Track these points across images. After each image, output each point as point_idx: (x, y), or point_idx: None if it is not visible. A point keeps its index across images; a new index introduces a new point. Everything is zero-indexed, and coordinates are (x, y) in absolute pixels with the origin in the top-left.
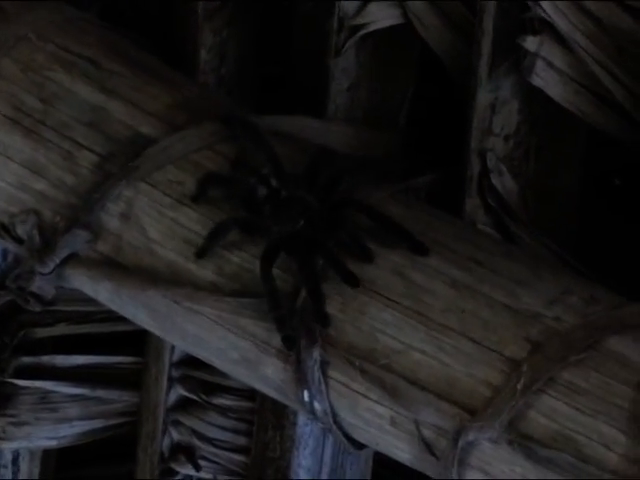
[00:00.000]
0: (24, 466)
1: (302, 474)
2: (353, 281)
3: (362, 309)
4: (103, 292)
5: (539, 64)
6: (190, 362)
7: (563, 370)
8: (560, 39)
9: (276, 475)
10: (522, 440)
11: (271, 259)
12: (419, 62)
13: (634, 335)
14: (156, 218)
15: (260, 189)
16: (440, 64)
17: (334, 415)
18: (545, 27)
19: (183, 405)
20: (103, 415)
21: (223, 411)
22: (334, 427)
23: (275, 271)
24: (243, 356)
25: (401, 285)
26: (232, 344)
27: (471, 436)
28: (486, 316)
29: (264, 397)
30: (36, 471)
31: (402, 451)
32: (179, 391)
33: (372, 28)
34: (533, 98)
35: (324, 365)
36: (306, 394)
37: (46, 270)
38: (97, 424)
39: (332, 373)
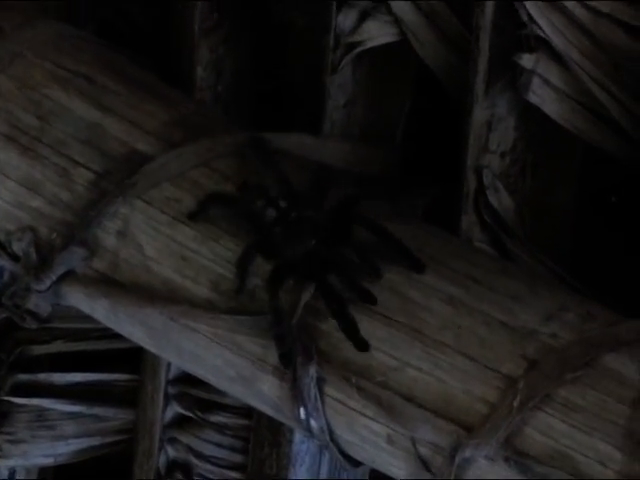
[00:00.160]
0: None
1: None
2: (370, 299)
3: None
4: (99, 309)
5: (535, 81)
6: (186, 379)
7: (559, 387)
8: (556, 56)
9: None
10: (518, 457)
11: (281, 280)
12: (415, 79)
13: (630, 352)
14: (152, 235)
15: (269, 211)
16: (436, 81)
17: (330, 432)
18: (541, 44)
19: (179, 422)
20: (99, 433)
21: (219, 428)
22: (330, 444)
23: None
24: (239, 373)
25: (397, 302)
26: (228, 361)
27: (467, 453)
28: (482, 333)
29: (260, 414)
30: None
31: (398, 468)
32: (175, 408)
33: (369, 45)
34: (529, 115)
35: (320, 382)
36: (302, 411)
37: (42, 287)
38: (93, 442)
39: (328, 390)
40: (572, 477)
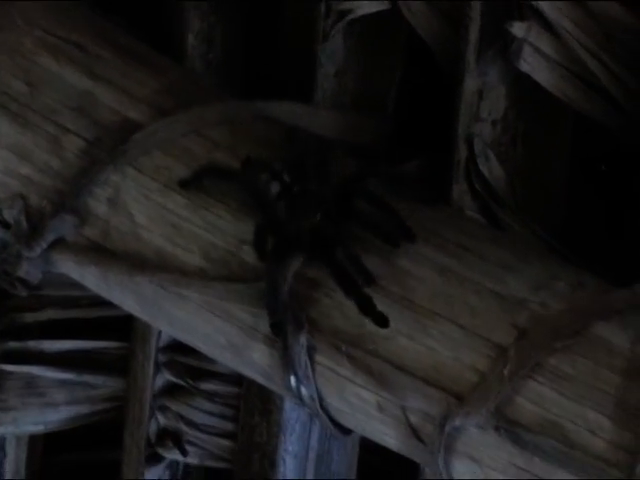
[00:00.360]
0: (10, 451)
1: (288, 459)
2: (370, 280)
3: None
4: (90, 277)
5: (526, 50)
6: (177, 347)
7: (549, 356)
8: (547, 25)
9: (262, 460)
10: (508, 426)
11: (284, 253)
12: (406, 48)
13: (621, 321)
14: (143, 203)
15: (273, 185)
16: (427, 49)
17: (321, 400)
18: (532, 13)
19: (170, 390)
20: (90, 400)
21: (210, 396)
22: (321, 412)
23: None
24: (230, 341)
25: (388, 271)
26: (219, 329)
27: (458, 422)
28: (473, 302)
29: (251, 382)
30: (23, 456)
31: (388, 436)
32: (166, 376)
33: (360, 13)
34: (520, 84)
35: (311, 350)
36: (293, 379)
37: (33, 255)
38: (84, 409)
39: (319, 358)
40: (562, 446)
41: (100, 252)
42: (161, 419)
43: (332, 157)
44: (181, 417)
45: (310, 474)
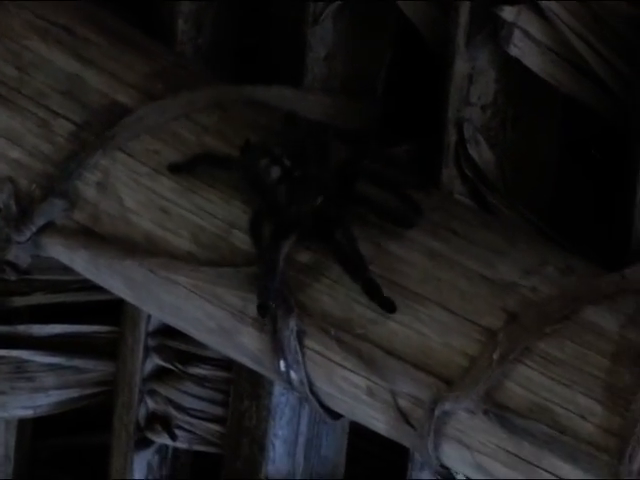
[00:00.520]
0: (0, 435)
1: (278, 444)
2: (363, 270)
3: (338, 278)
4: (79, 261)
5: (516, 34)
6: (166, 331)
7: (539, 340)
8: (537, 9)
9: (252, 445)
10: (498, 410)
11: (285, 237)
12: (396, 31)
13: (610, 305)
14: (133, 187)
15: (274, 169)
16: (417, 33)
17: (310, 384)
18: None
19: (159, 374)
20: (79, 384)
21: (199, 381)
22: (310, 396)
23: (244, 237)
24: (219, 325)
25: (378, 255)
26: (208, 313)
27: (447, 406)
28: (462, 286)
29: (240, 367)
30: (12, 440)
31: (378, 421)
32: (155, 360)
33: None
34: (510, 68)
35: (300, 334)
36: (282, 363)
37: (22, 239)
38: (73, 393)
39: (308, 342)
40: (552, 430)
41: (89, 236)
42: (150, 403)
43: (331, 141)
44: (170, 401)
45: (299, 458)
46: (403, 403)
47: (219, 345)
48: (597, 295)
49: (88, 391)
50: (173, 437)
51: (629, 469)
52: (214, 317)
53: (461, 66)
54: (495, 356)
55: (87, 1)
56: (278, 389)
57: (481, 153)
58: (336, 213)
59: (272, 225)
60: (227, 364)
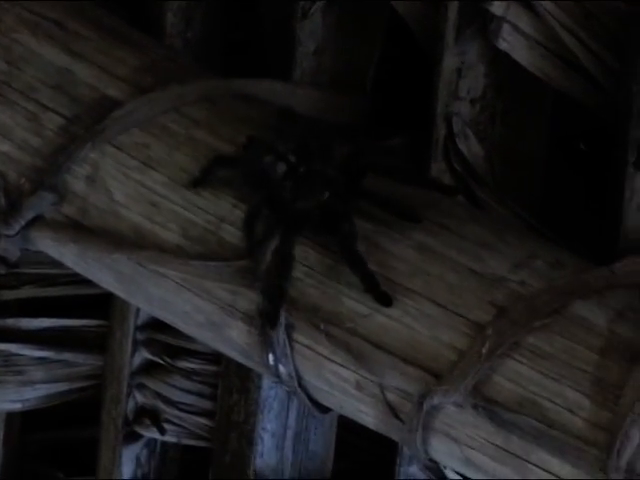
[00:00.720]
0: None
1: (266, 438)
2: (361, 265)
3: (327, 272)
4: (68, 255)
5: (505, 28)
6: (155, 325)
7: (528, 334)
8: (527, 3)
9: (240, 439)
10: (487, 404)
11: (294, 234)
12: (385, 26)
13: (599, 299)
14: (122, 181)
15: (279, 165)
16: (406, 28)
17: (299, 378)
18: None
19: (148, 368)
20: (68, 378)
21: (188, 374)
22: (299, 390)
23: (234, 231)
24: (208, 319)
25: (367, 249)
26: (197, 307)
27: (436, 400)
28: (451, 280)
29: (229, 360)
30: (0, 434)
31: (367, 415)
32: (144, 354)
33: None
34: (499, 62)
35: (289, 328)
36: (271, 357)
37: (11, 232)
38: (62, 387)
39: (297, 336)
40: (540, 424)
41: (78, 230)
42: (139, 397)
43: (334, 137)
44: (159, 395)
45: (288, 452)
46: (392, 397)
47: (208, 339)
48: (586, 290)
49: (77, 385)
50: (162, 431)
51: (617, 463)
52: (203, 311)
53: (450, 60)
54: (484, 350)
55: None
56: (267, 383)
57: (470, 147)
58: (342, 208)
59: (274, 221)
60: (216, 358)
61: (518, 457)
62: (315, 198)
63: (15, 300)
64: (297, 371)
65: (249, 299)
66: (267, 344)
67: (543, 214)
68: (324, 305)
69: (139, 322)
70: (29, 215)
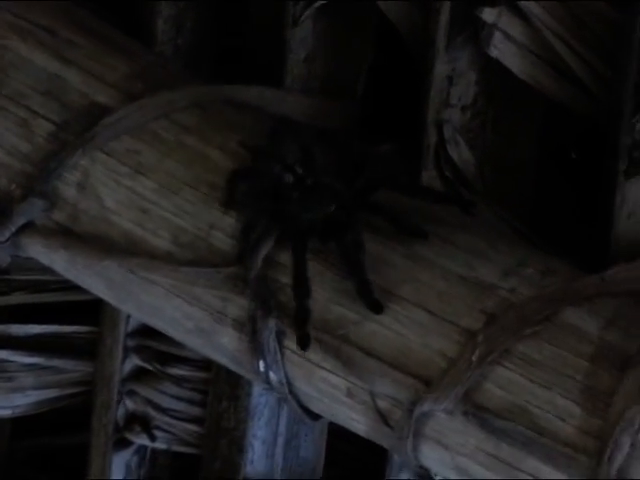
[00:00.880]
0: None
1: (257, 445)
2: (361, 274)
3: (317, 279)
4: (59, 261)
5: (497, 36)
6: (145, 332)
7: (518, 342)
8: (518, 11)
9: (231, 446)
10: (477, 411)
11: (305, 246)
12: (376, 33)
13: (589, 307)
14: (112, 187)
15: (287, 177)
16: (397, 35)
17: (289, 385)
18: None
19: (138, 375)
20: (58, 385)
21: (178, 381)
22: (289, 397)
23: (224, 238)
24: (198, 326)
25: None
26: (187, 314)
27: (426, 407)
28: (442, 287)
29: (219, 367)
30: None
31: (357, 422)
32: (134, 361)
33: None
34: (490, 70)
35: (280, 335)
36: (262, 364)
37: (1, 238)
38: (52, 393)
39: (288, 343)
40: (530, 431)
41: (69, 236)
42: (129, 404)
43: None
44: (149, 402)
45: (278, 459)
46: (382, 404)
47: (198, 345)
48: (577, 297)
49: (67, 391)
50: (152, 438)
51: (608, 471)
52: (193, 317)
53: (441, 67)
54: (474, 357)
55: (67, 1)
56: (257, 390)
57: (461, 155)
58: (348, 220)
59: (270, 229)
60: (206, 365)
61: (508, 464)
62: (322, 210)
63: (5, 306)
64: (288, 378)
65: (239, 306)
66: (258, 351)
67: (534, 221)
68: (315, 312)
69: (129, 329)
70: (19, 221)
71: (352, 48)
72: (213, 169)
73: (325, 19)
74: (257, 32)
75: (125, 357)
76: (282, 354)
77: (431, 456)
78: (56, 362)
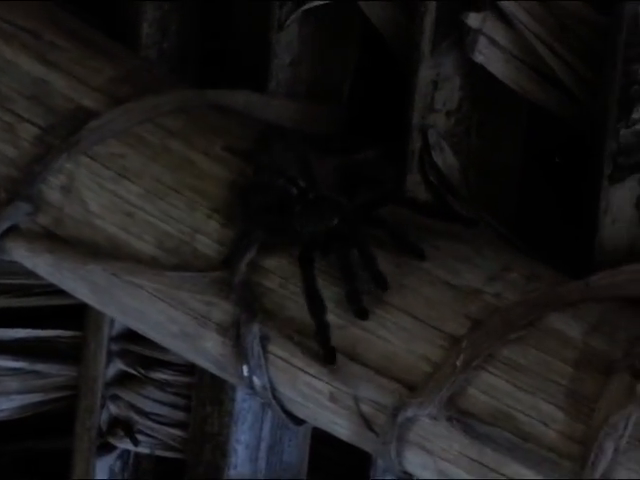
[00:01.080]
0: None
1: (240, 449)
2: (383, 284)
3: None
4: (43, 265)
5: (481, 41)
6: (129, 336)
7: (503, 347)
8: (503, 16)
9: (214, 450)
10: (461, 416)
11: (310, 258)
12: (361, 37)
13: (574, 312)
14: (97, 191)
15: (290, 190)
16: (382, 39)
17: (273, 390)
18: (488, 4)
19: (122, 379)
20: (42, 389)
21: (161, 386)
22: (273, 402)
23: (209, 242)
24: (182, 330)
25: None
26: (171, 318)
27: (410, 412)
28: (427, 293)
29: (203, 372)
30: None
31: (341, 427)
32: (118, 365)
33: (315, 3)
34: (475, 75)
35: (264, 340)
36: (245, 369)
37: None
38: (36, 398)
39: (272, 348)
40: (514, 437)
41: (53, 240)
42: (112, 408)
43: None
44: (133, 406)
45: (262, 464)
46: (366, 409)
47: (182, 350)
48: (561, 302)
49: (51, 396)
50: (135, 442)
51: (591, 476)
52: (177, 322)
53: (426, 72)
54: (458, 362)
55: (52, 5)
56: (240, 394)
57: (445, 160)
58: (350, 232)
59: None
60: (190, 369)
61: (492, 470)
62: (324, 223)
63: None
64: (271, 383)
65: (224, 310)
66: (241, 355)
67: (518, 226)
68: (298, 316)
69: (113, 333)
70: (4, 225)
71: (337, 53)
72: (198, 174)
73: (310, 24)
74: (242, 35)
75: (109, 361)
76: (266, 359)
77: (415, 461)
78: (40, 366)
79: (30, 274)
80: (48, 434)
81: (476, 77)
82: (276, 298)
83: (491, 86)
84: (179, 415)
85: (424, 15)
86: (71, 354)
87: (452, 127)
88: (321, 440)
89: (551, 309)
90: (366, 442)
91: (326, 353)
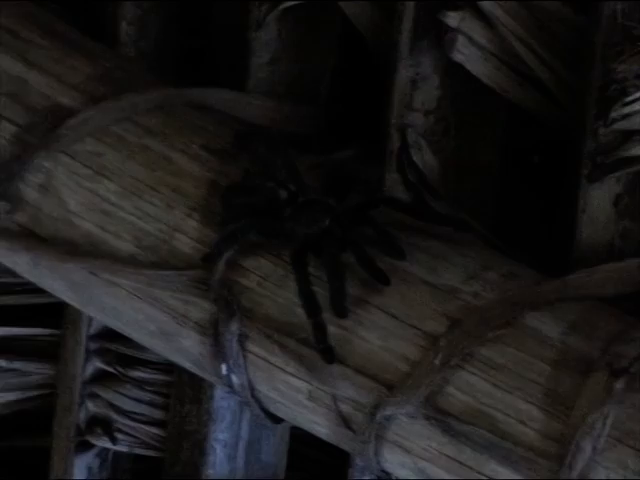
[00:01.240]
0: None
1: (218, 448)
2: (384, 279)
3: (281, 283)
4: (21, 263)
5: (460, 40)
6: (107, 334)
7: (481, 346)
8: (481, 15)
9: (193, 449)
10: (439, 415)
11: (304, 260)
12: (340, 36)
13: (551, 311)
14: (75, 189)
15: (281, 193)
16: (361, 38)
17: (252, 389)
18: (466, 3)
19: (100, 378)
20: (20, 387)
21: (140, 384)
22: (252, 401)
23: (187, 240)
24: (160, 329)
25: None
26: (149, 316)
27: (388, 411)
28: (405, 291)
29: (181, 370)
30: None
31: (319, 425)
32: (96, 364)
33: (294, 2)
34: (454, 74)
35: (242, 338)
36: (224, 367)
37: None
38: (14, 396)
39: (250, 346)
40: (492, 435)
41: (32, 238)
42: (91, 406)
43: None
44: (111, 405)
45: (240, 463)
46: (344, 408)
47: (160, 348)
48: (539, 301)
49: (29, 394)
50: (113, 440)
51: (569, 475)
52: (155, 320)
53: (405, 71)
54: (437, 361)
55: (30, 3)
56: (219, 393)
57: (424, 159)
58: (343, 233)
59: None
60: (168, 368)
61: (470, 468)
62: (316, 225)
63: None
64: (250, 381)
65: (202, 309)
66: (220, 354)
67: (497, 226)
68: (277, 315)
69: (92, 331)
70: None
71: (316, 52)
72: (176, 172)
73: (289, 22)
74: (221, 34)
75: (87, 360)
76: (244, 357)
77: (393, 460)
78: (18, 364)
79: (9, 272)
80: (26, 432)
81: (455, 76)
82: (255, 297)
83: (470, 85)
84: (157, 413)
85: (403, 14)
86: (49, 352)
87: (431, 126)
88: (299, 439)
89: (529, 308)
90: (344, 441)
91: (325, 353)
